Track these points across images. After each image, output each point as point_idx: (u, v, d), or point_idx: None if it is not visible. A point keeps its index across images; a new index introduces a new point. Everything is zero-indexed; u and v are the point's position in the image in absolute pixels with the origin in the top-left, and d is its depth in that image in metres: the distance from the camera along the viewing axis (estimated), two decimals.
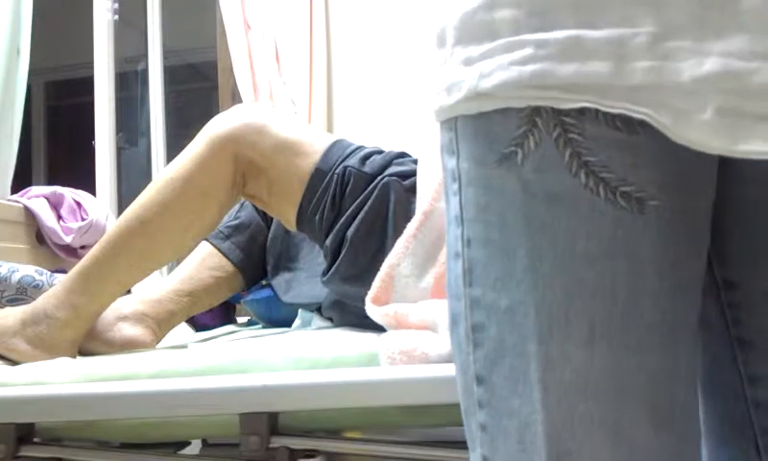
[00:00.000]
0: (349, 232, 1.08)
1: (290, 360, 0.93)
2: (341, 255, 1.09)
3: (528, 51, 0.46)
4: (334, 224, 1.10)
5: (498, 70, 0.47)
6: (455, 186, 0.52)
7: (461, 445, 0.85)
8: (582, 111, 0.46)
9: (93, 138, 2.75)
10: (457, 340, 0.53)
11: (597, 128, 0.46)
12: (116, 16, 2.80)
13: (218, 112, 1.16)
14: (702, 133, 0.43)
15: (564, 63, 0.45)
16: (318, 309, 1.26)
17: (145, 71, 2.94)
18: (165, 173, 1.10)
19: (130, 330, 1.15)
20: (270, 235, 1.36)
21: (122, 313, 1.16)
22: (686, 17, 0.43)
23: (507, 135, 0.48)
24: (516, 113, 0.47)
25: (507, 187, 0.48)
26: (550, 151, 0.47)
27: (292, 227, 1.16)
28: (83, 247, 1.93)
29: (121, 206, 2.68)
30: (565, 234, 0.47)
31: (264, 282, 1.39)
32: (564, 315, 0.47)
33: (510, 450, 0.49)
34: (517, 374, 0.49)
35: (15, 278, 1.31)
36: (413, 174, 1.11)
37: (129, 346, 1.14)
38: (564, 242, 0.47)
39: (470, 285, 0.51)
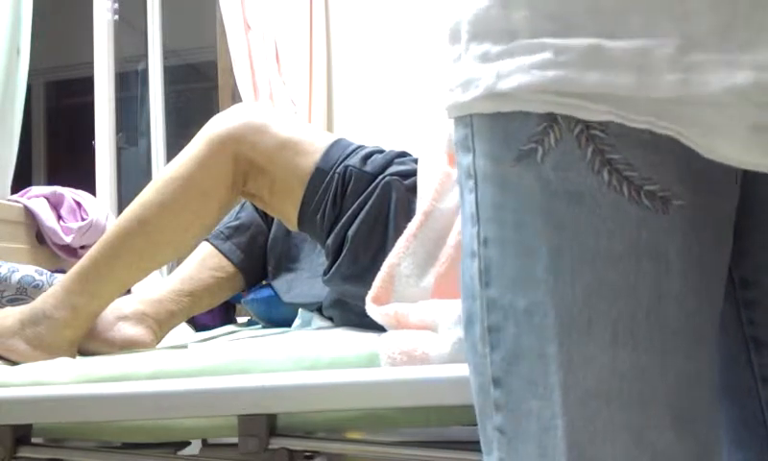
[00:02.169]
0: (350, 232, 1.08)
1: (290, 360, 0.93)
2: (342, 255, 1.09)
3: (548, 55, 0.44)
4: (335, 223, 1.10)
5: (518, 72, 0.46)
6: (470, 184, 0.51)
7: (461, 445, 0.85)
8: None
9: (93, 138, 2.75)
10: (472, 341, 0.52)
11: (621, 125, 0.45)
12: (116, 16, 2.79)
13: (218, 112, 1.16)
14: (734, 148, 0.42)
15: (586, 72, 0.43)
16: (318, 309, 1.26)
17: (145, 71, 2.93)
18: (165, 173, 1.10)
19: (130, 330, 1.15)
20: (271, 236, 1.36)
21: (122, 313, 1.16)
22: (711, 28, 0.42)
23: (526, 132, 0.47)
24: (535, 113, 0.46)
25: (525, 185, 0.47)
26: (571, 148, 0.46)
27: (293, 226, 1.16)
28: (83, 247, 1.93)
29: (121, 206, 2.68)
30: (587, 234, 0.46)
31: (264, 282, 1.39)
32: (585, 317, 0.46)
33: (529, 455, 0.48)
34: (537, 376, 0.47)
35: (15, 278, 1.31)
36: (414, 173, 1.11)
37: (129, 346, 1.14)
38: (586, 242, 0.46)
39: (487, 286, 0.50)
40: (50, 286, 1.25)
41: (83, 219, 1.96)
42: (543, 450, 0.47)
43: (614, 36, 0.43)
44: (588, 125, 0.45)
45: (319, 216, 1.10)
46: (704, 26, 0.42)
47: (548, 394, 0.47)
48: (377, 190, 1.08)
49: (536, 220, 0.47)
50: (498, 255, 0.49)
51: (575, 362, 0.46)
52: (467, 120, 0.51)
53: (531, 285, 0.47)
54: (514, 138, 0.47)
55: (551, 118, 0.46)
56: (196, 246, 1.33)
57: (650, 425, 0.46)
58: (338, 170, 1.09)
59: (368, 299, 1.00)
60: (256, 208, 1.35)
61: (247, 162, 1.09)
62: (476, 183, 0.50)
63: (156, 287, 1.26)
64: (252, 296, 1.40)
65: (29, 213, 1.89)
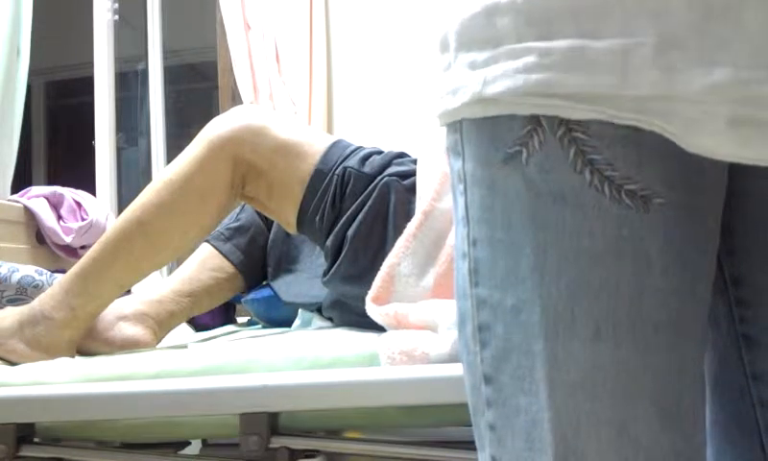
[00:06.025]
0: (350, 233, 1.08)
1: (290, 360, 0.93)
2: (341, 256, 1.09)
3: (532, 59, 0.45)
4: (334, 224, 1.10)
5: (503, 77, 0.47)
6: (461, 187, 0.52)
7: (461, 445, 0.85)
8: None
9: (93, 138, 2.75)
10: (464, 340, 0.53)
11: (602, 126, 0.46)
12: (116, 16, 2.80)
13: (218, 113, 1.16)
14: (714, 141, 0.43)
15: (570, 73, 0.45)
16: (318, 309, 1.26)
17: (145, 71, 2.93)
18: (164, 175, 1.10)
19: (130, 330, 1.15)
20: (270, 237, 1.36)
21: (123, 313, 1.16)
22: (688, 27, 0.43)
23: (511, 135, 0.48)
24: (520, 116, 0.47)
25: (511, 187, 0.48)
26: (554, 149, 0.47)
27: (292, 229, 1.16)
28: (83, 247, 1.93)
29: (121, 206, 2.68)
30: (570, 233, 0.47)
31: (264, 283, 1.39)
32: (569, 313, 0.47)
33: (517, 449, 0.49)
34: (524, 372, 0.49)
35: (15, 278, 1.32)
36: (412, 174, 1.11)
37: (129, 346, 1.14)
38: (569, 240, 0.47)
39: (477, 285, 0.51)
40: (50, 286, 1.26)
41: (83, 219, 1.96)
42: (531, 444, 0.48)
43: (595, 36, 0.44)
44: (570, 128, 0.46)
45: (318, 217, 1.10)
46: (680, 24, 0.43)
47: (535, 389, 0.48)
48: (376, 191, 1.08)
49: (522, 220, 0.48)
50: (487, 255, 0.50)
51: (560, 357, 0.47)
52: (456, 126, 0.52)
53: (518, 284, 0.48)
54: (501, 142, 0.49)
55: (536, 121, 0.47)
56: (195, 247, 1.33)
57: (634, 419, 0.47)
58: (337, 171, 1.10)
59: (368, 299, 1.00)
60: (256, 210, 1.35)
61: (246, 165, 1.09)
62: (466, 186, 0.52)
63: (157, 288, 1.27)
64: (251, 296, 1.40)
65: (29, 213, 1.89)
